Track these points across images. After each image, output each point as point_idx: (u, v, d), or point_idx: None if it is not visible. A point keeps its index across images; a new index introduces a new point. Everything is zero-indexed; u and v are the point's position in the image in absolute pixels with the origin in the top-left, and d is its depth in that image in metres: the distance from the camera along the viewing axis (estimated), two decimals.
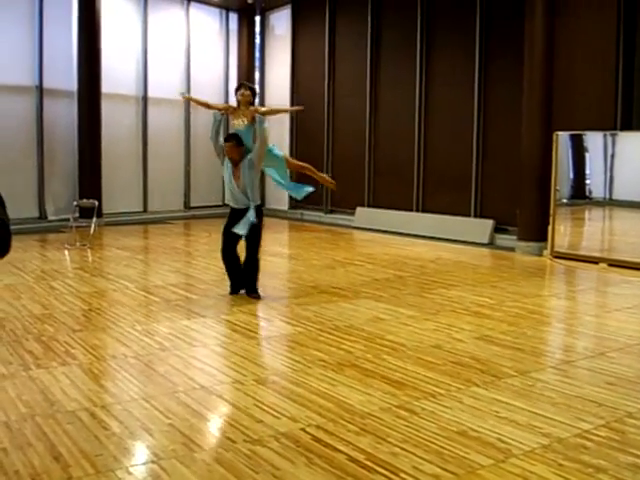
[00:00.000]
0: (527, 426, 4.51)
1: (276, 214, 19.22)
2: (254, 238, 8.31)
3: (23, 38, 15.55)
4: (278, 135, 19.64)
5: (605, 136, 11.75)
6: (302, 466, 3.91)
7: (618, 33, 11.63)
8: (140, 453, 4.16)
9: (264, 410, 4.76)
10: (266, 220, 18.05)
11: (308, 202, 18.48)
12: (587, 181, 12.62)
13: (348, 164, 17.25)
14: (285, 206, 19.25)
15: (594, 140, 12.09)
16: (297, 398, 5.00)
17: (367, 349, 6.31)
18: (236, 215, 8.31)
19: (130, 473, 3.82)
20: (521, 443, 4.24)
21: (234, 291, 8.61)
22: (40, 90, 15.83)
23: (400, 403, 4.91)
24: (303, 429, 4.43)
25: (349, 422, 4.55)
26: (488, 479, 3.79)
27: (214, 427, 4.45)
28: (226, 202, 8.64)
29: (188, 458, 3.99)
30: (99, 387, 5.23)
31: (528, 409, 4.82)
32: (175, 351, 6.20)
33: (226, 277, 8.73)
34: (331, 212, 17.90)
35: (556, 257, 11.90)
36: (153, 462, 3.96)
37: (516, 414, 4.72)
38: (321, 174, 9.24)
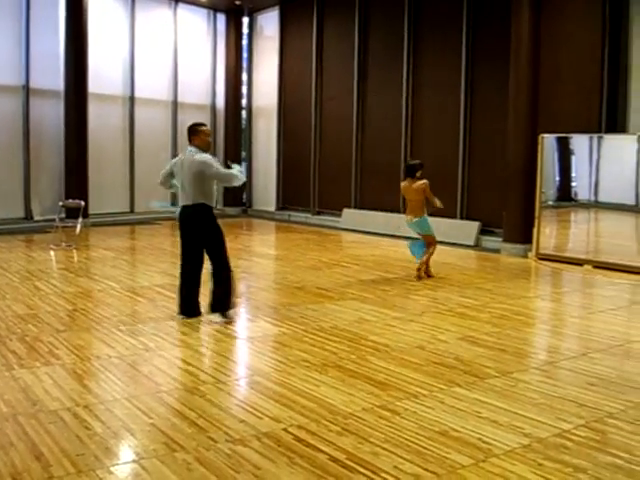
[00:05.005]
0: (508, 426, 4.53)
1: (263, 215, 19.25)
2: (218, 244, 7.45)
3: (9, 37, 15.55)
4: (265, 136, 19.70)
5: (591, 139, 11.80)
6: (283, 466, 3.92)
7: (603, 37, 11.70)
8: (121, 453, 4.16)
9: (246, 410, 4.77)
10: (254, 221, 18.22)
11: (296, 204, 18.55)
12: (573, 183, 12.67)
13: (335, 165, 17.29)
14: (272, 207, 19.27)
15: (580, 143, 12.14)
16: (280, 398, 5.01)
17: (351, 350, 6.32)
18: None
19: (111, 472, 3.82)
20: (502, 443, 4.26)
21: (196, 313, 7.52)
22: (27, 90, 15.81)
23: (382, 403, 4.93)
24: (285, 429, 4.44)
25: (331, 422, 4.57)
26: (468, 478, 3.81)
27: (196, 427, 4.44)
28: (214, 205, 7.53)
29: (169, 457, 3.99)
30: (82, 387, 5.21)
31: (510, 409, 4.84)
32: (159, 352, 6.19)
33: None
34: (318, 213, 17.92)
35: (541, 259, 11.95)
36: (134, 461, 3.97)
37: (498, 414, 4.74)
38: None
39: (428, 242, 10.20)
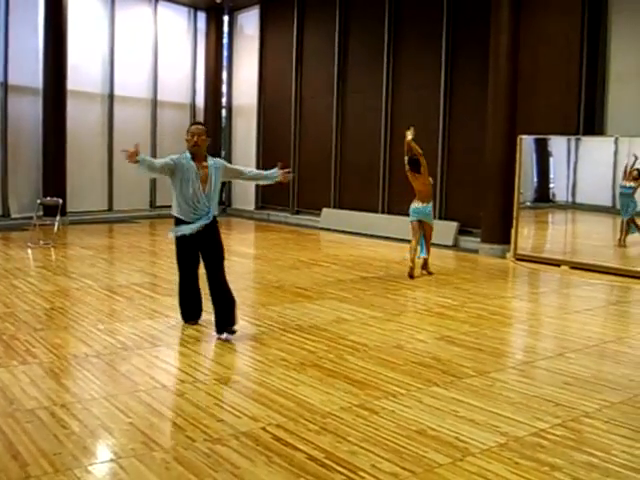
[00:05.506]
0: (485, 425, 4.57)
1: (242, 214, 19.22)
2: (219, 256, 7.10)
3: None
4: (245, 135, 19.66)
5: (569, 140, 11.90)
6: (261, 465, 3.93)
7: (582, 39, 11.80)
8: (99, 452, 4.14)
9: (225, 409, 4.78)
10: (232, 220, 18.16)
11: (275, 203, 18.54)
12: (551, 185, 12.78)
13: (314, 165, 17.29)
14: (251, 206, 19.24)
15: (558, 144, 12.24)
16: (258, 397, 5.01)
17: (330, 349, 6.34)
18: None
19: (89, 472, 3.81)
20: (479, 442, 4.30)
21: (196, 317, 7.28)
22: (5, 87, 15.68)
23: (361, 402, 4.95)
24: (263, 428, 4.45)
25: (309, 421, 4.58)
26: (445, 477, 3.83)
27: (174, 426, 4.44)
28: (178, 215, 6.83)
29: (147, 457, 3.98)
30: (59, 386, 5.19)
31: (487, 408, 4.88)
32: (137, 350, 6.18)
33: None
34: (297, 213, 17.92)
35: (519, 259, 12.03)
36: (112, 461, 3.95)
37: (475, 413, 4.78)
38: None
39: (428, 233, 10.51)
